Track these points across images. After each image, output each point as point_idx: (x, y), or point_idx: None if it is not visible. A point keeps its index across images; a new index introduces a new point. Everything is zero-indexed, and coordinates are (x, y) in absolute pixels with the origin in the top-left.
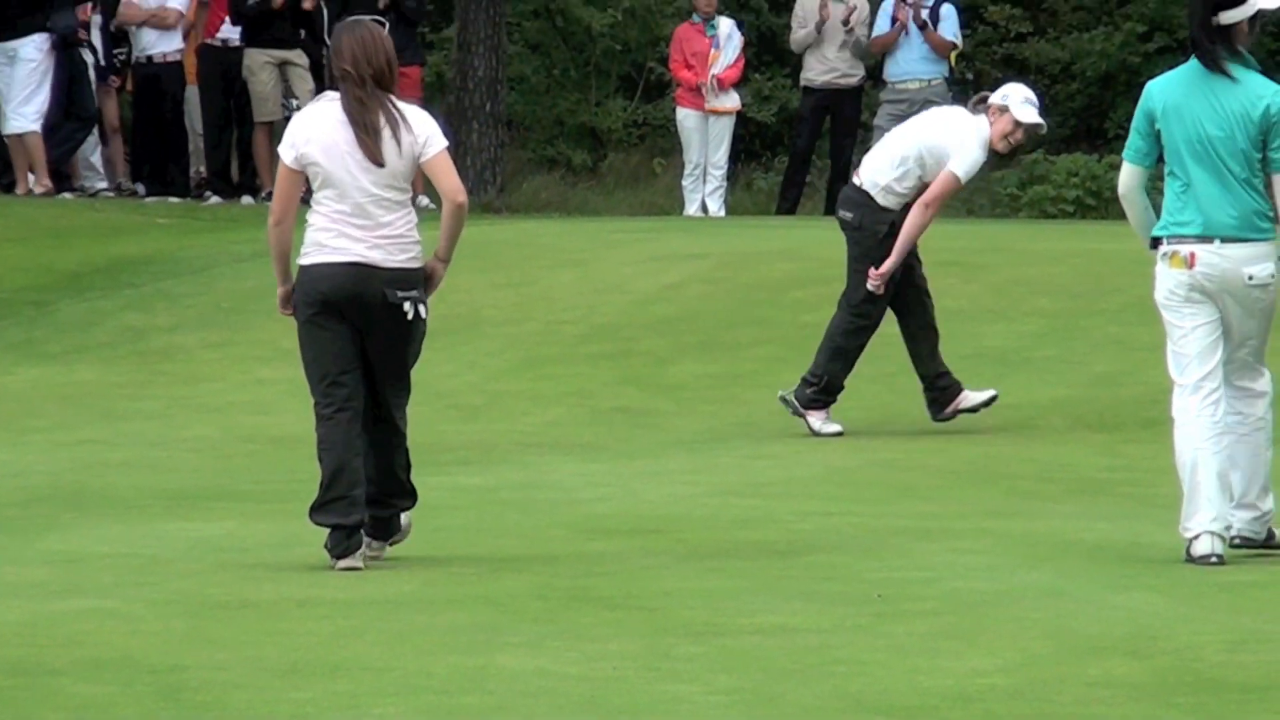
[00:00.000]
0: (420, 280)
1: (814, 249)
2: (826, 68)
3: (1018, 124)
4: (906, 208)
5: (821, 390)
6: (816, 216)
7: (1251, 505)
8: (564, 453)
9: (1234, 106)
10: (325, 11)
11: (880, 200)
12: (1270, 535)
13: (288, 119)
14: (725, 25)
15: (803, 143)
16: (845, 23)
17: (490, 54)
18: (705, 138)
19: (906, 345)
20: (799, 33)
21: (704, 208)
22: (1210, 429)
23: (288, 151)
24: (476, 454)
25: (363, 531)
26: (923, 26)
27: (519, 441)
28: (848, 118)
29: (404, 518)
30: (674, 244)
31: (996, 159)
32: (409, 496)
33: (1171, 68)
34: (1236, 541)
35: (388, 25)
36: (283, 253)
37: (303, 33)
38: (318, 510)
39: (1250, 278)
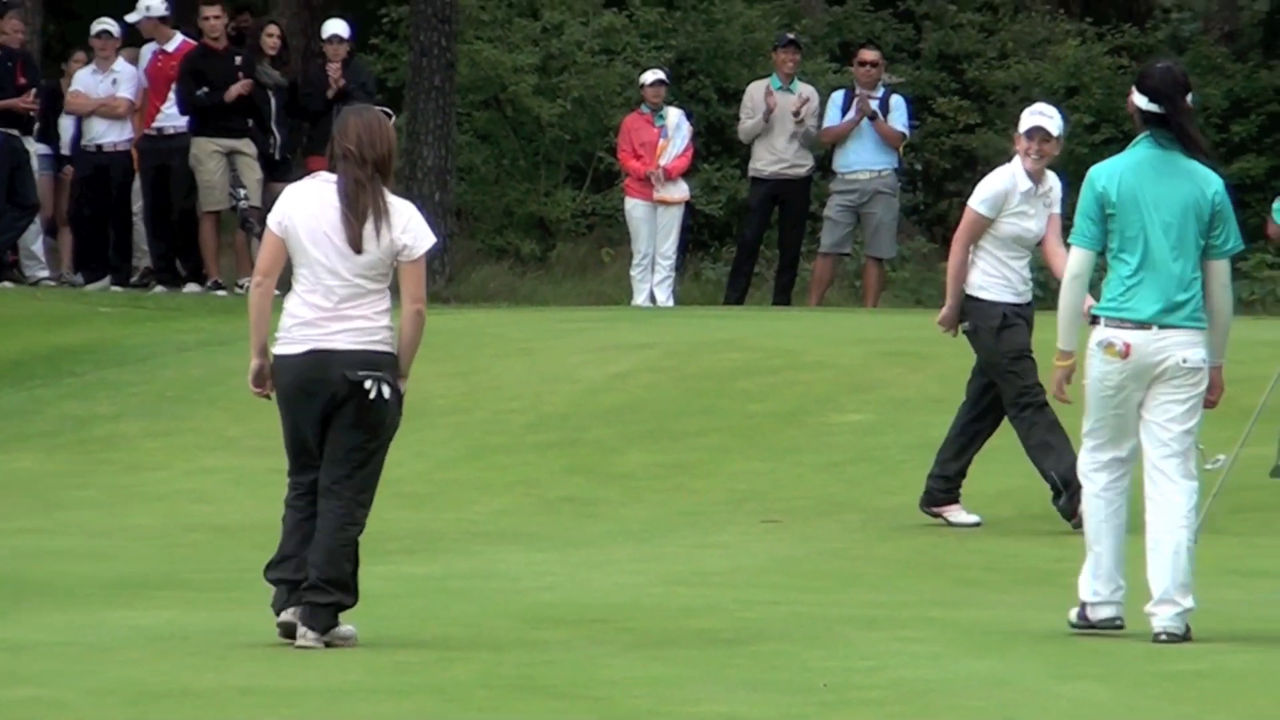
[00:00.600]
0: (386, 364)
1: (762, 339)
2: (775, 158)
3: (1020, 135)
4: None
5: (1064, 489)
6: (765, 307)
7: (1169, 601)
8: (511, 542)
9: (1185, 193)
10: (273, 101)
11: (979, 295)
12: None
13: (234, 208)
14: (674, 115)
15: (751, 233)
16: (795, 114)
17: (439, 144)
18: (654, 228)
19: (955, 432)
20: (747, 123)
21: (652, 298)
22: (1118, 500)
23: (274, 216)
24: (423, 543)
25: (300, 620)
26: (874, 118)
27: (466, 530)
28: (797, 208)
29: (346, 626)
30: (622, 334)
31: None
32: (351, 593)
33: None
34: (1163, 638)
35: (393, 117)
36: (261, 319)
37: (250, 122)
38: (269, 568)
39: (1184, 361)
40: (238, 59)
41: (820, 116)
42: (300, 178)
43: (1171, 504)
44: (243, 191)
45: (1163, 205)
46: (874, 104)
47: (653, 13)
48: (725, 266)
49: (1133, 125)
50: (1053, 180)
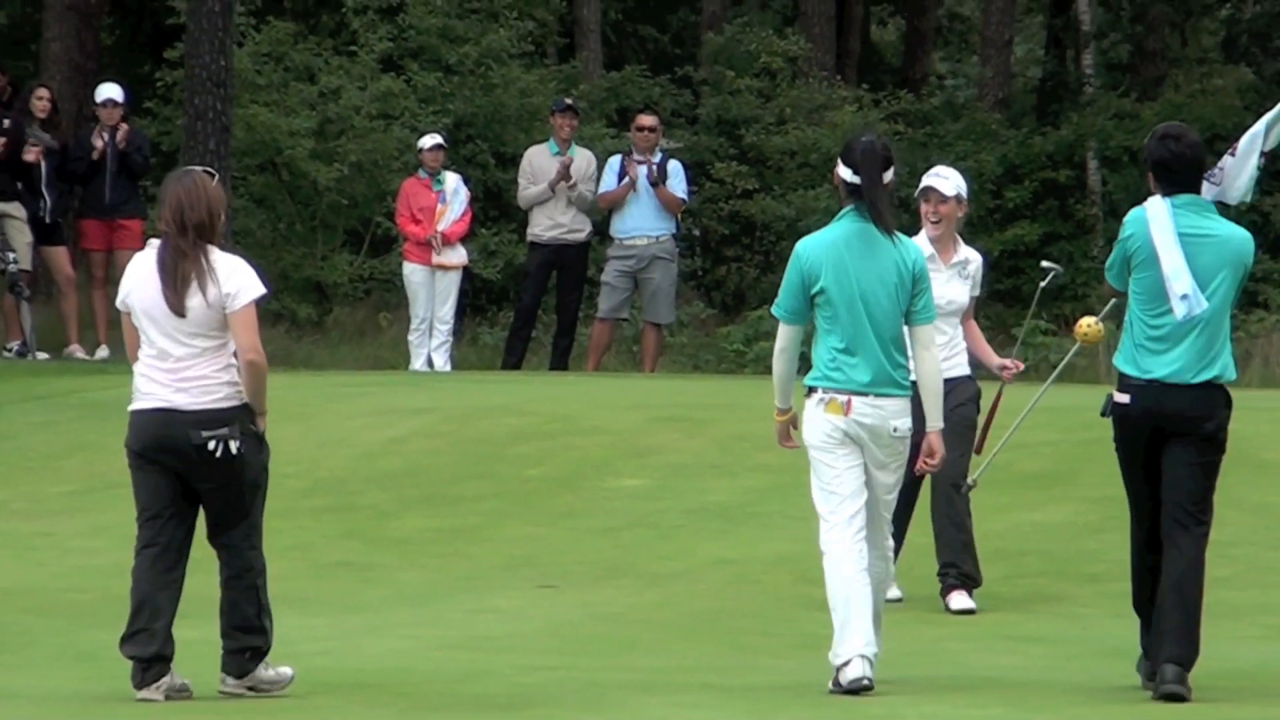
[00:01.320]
0: (233, 419)
1: (539, 404)
2: (553, 223)
3: (919, 200)
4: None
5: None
6: (542, 372)
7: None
8: (285, 606)
9: (888, 266)
10: (43, 165)
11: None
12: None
13: (3, 272)
14: (452, 180)
15: (529, 298)
16: (567, 177)
17: None
18: (432, 292)
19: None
20: (529, 189)
21: (430, 362)
22: (860, 561)
23: (120, 299)
24: (195, 607)
25: (220, 668)
26: (654, 184)
27: None
28: (574, 273)
29: (271, 669)
30: (399, 398)
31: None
32: (256, 634)
33: (899, 225)
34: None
35: (216, 177)
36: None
37: (20, 185)
38: (123, 642)
39: (895, 430)
40: (6, 122)
41: (597, 181)
42: (71, 241)
43: (874, 568)
44: (12, 255)
45: (863, 278)
46: (653, 169)
47: (430, 77)
48: (503, 331)
49: (909, 192)
50: (969, 254)
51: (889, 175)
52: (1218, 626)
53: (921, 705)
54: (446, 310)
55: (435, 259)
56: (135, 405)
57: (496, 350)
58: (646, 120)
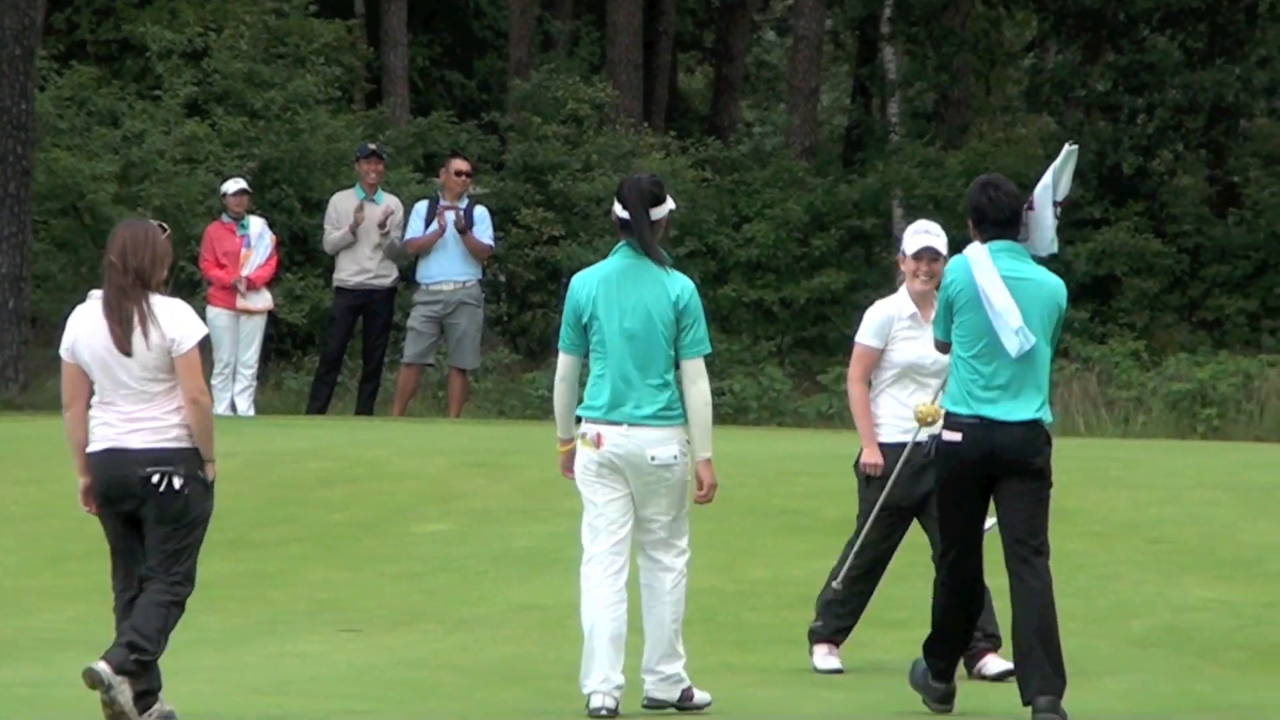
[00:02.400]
0: (183, 459)
1: (344, 449)
2: (359, 268)
3: (907, 257)
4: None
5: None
6: (347, 416)
7: (655, 670)
8: (86, 650)
9: (651, 299)
10: None
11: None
12: (686, 695)
13: None
14: (256, 225)
15: (335, 343)
16: (381, 225)
17: (14, 251)
18: (236, 336)
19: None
20: (334, 235)
21: (233, 406)
22: (611, 597)
23: (63, 348)
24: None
25: (103, 655)
26: (461, 230)
27: (39, 638)
28: (380, 318)
29: (156, 701)
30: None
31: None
32: (151, 641)
33: (705, 270)
34: (646, 703)
35: (167, 232)
36: (77, 446)
37: None
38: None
39: (653, 459)
40: None
41: (404, 227)
42: None
43: (658, 580)
44: None
45: (629, 311)
46: (460, 215)
47: (235, 121)
48: (308, 376)
49: (717, 239)
50: None
51: (660, 210)
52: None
53: None
54: (251, 354)
55: (240, 303)
56: (91, 447)
57: (301, 395)
58: (463, 165)
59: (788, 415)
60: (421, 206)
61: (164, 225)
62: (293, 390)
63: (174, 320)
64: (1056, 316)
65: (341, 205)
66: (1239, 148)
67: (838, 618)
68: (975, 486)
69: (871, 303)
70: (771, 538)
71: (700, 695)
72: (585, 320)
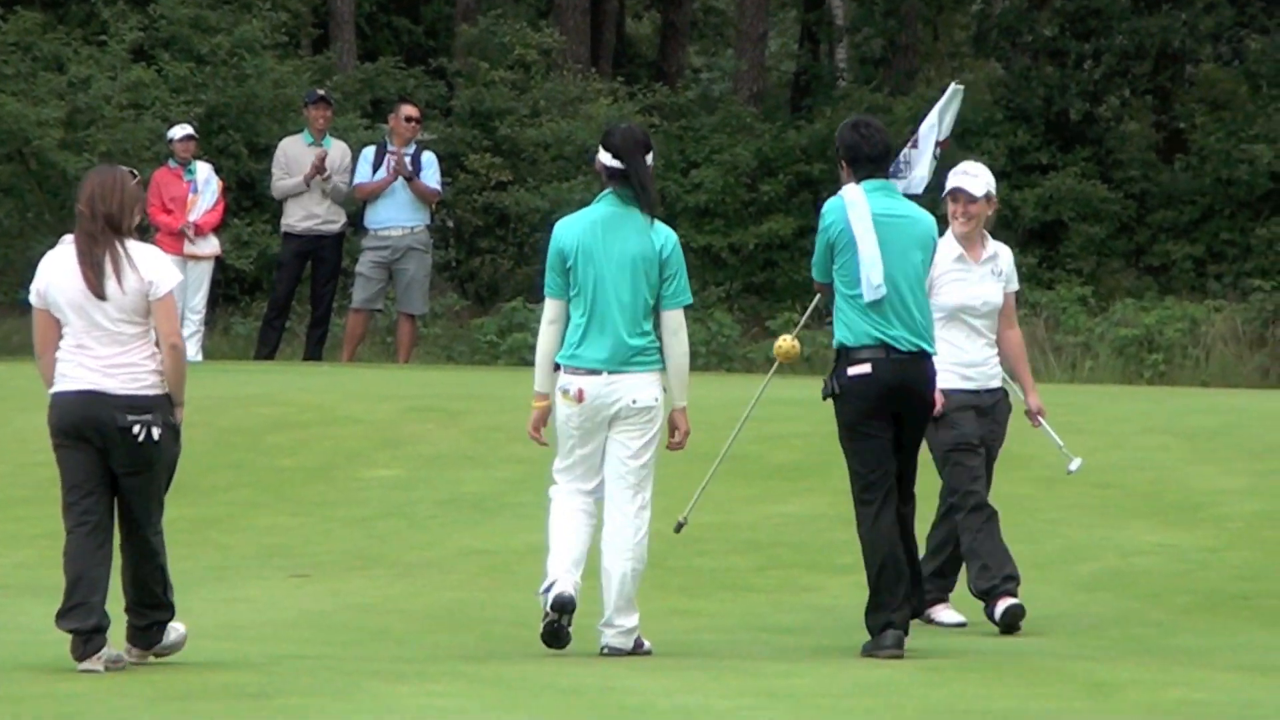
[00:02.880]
0: (157, 406)
1: (292, 394)
2: (307, 214)
3: (945, 199)
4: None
5: (983, 598)
6: (296, 362)
7: (613, 625)
8: (34, 595)
9: (636, 248)
10: None
11: None
12: (638, 644)
13: None
14: (204, 170)
15: (283, 288)
16: (321, 170)
17: None
18: (184, 282)
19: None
20: (283, 181)
21: None
22: (580, 519)
23: (33, 294)
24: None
25: (126, 639)
26: (409, 178)
27: None
28: (329, 264)
29: (173, 632)
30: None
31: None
32: (164, 609)
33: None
34: (605, 651)
35: (137, 177)
36: (50, 384)
37: None
38: (60, 617)
39: (634, 402)
40: None
41: (352, 173)
42: None
43: (622, 534)
44: None
45: (613, 259)
46: (405, 162)
47: (182, 67)
48: (256, 321)
49: (665, 184)
50: (998, 249)
51: (650, 159)
52: (966, 617)
53: (674, 696)
54: (198, 300)
55: (187, 249)
56: (60, 388)
57: (249, 340)
58: (412, 111)
59: (736, 361)
60: (369, 151)
61: (134, 171)
62: (241, 336)
63: (150, 264)
64: (930, 253)
65: (290, 151)
66: (1185, 93)
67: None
68: (888, 418)
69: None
70: (719, 483)
71: (648, 642)
72: (569, 265)
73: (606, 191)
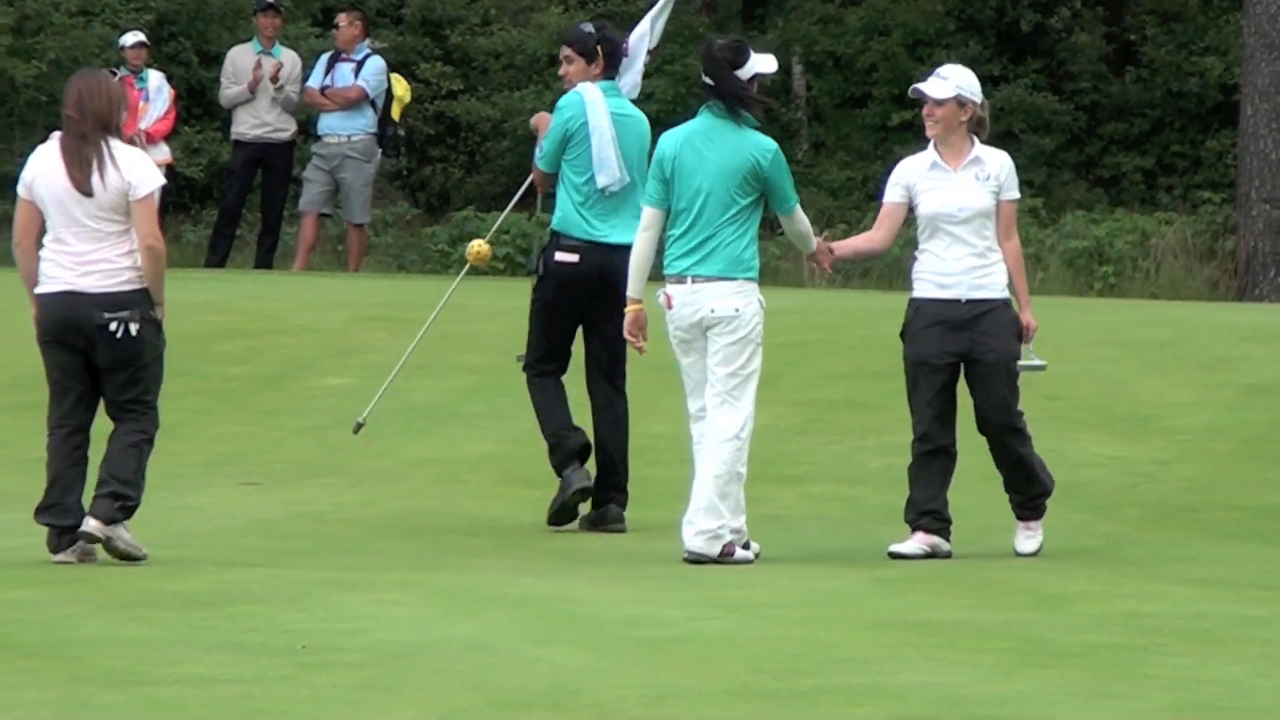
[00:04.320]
0: (136, 302)
1: (243, 302)
2: (257, 121)
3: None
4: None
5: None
6: (246, 270)
7: (693, 522)
8: None
9: (735, 159)
10: None
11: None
12: (726, 550)
13: None
14: (155, 78)
15: (233, 196)
16: (275, 79)
17: None
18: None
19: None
20: (231, 89)
21: None
22: (702, 444)
23: (21, 185)
24: None
25: (89, 510)
26: (260, 83)
27: None
28: (279, 172)
29: (130, 533)
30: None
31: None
32: (131, 487)
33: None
34: (687, 557)
35: (117, 75)
36: (27, 277)
37: None
38: (39, 512)
39: (713, 311)
40: None
41: (303, 80)
42: None
43: (710, 437)
44: None
45: (710, 169)
46: (353, 63)
47: None
48: (206, 229)
49: None
50: (985, 154)
51: (745, 70)
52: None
53: (625, 606)
54: None
55: None
56: (41, 289)
57: (200, 248)
58: (343, 19)
59: None
60: (324, 58)
61: (114, 70)
62: (191, 244)
63: (134, 166)
64: (647, 149)
65: (239, 60)
66: (1136, 5)
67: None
68: (578, 307)
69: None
70: (671, 394)
71: (743, 552)
72: (667, 176)
73: (709, 102)
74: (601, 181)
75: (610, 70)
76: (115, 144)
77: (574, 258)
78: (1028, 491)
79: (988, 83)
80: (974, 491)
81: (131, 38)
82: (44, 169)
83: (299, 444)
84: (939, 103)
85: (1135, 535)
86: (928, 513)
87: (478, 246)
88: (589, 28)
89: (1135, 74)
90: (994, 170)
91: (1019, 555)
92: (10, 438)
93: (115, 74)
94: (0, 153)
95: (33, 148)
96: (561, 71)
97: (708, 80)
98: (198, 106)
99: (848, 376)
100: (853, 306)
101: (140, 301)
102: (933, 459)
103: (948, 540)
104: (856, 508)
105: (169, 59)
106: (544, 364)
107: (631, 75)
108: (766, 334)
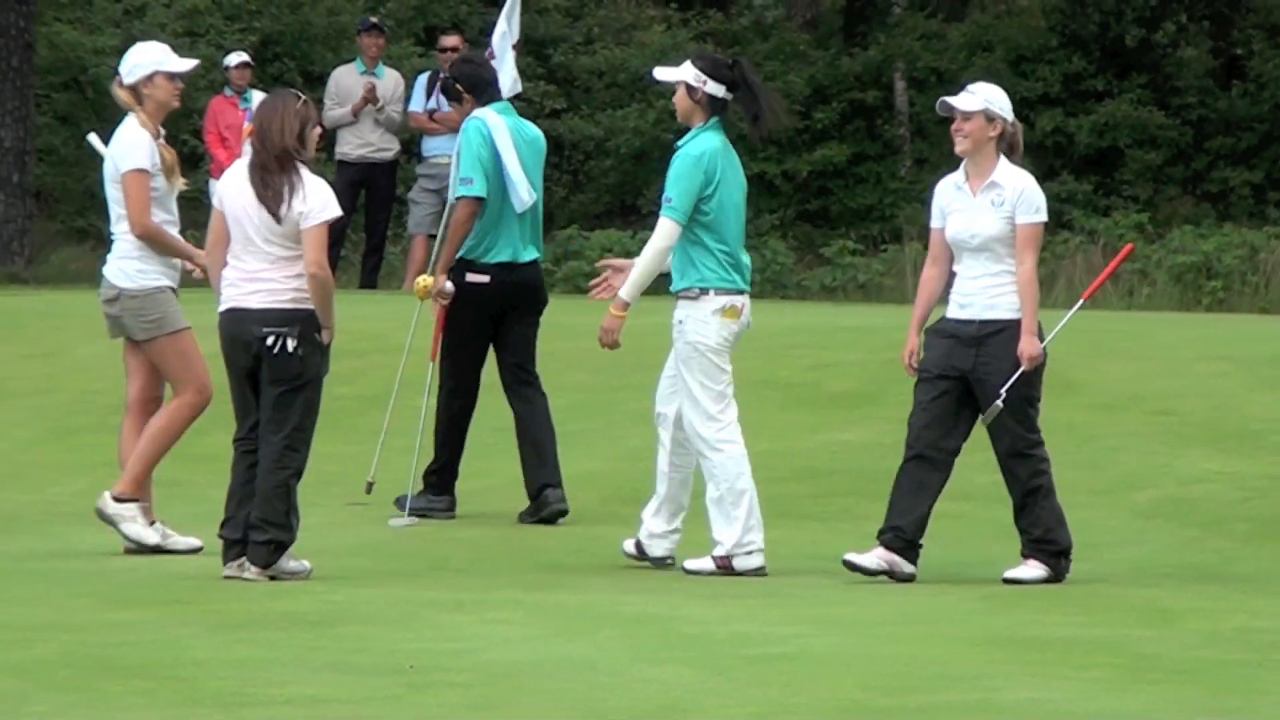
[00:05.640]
0: (297, 320)
1: (348, 322)
2: (361, 141)
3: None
4: None
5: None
6: (351, 290)
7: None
8: (93, 523)
9: (740, 174)
10: None
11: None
12: (661, 560)
13: None
14: (258, 99)
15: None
16: (374, 100)
17: (18, 125)
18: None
19: None
20: (333, 111)
21: None
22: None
23: (214, 196)
24: (1, 523)
25: (247, 556)
26: (371, 101)
27: (47, 511)
28: (383, 192)
29: (292, 560)
30: (206, 316)
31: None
32: (283, 530)
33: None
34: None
35: (302, 99)
36: (216, 286)
37: None
38: (221, 526)
39: (748, 323)
40: None
41: (406, 101)
42: None
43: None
44: None
45: (739, 183)
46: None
47: None
48: None
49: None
50: (1004, 178)
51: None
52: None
53: (732, 624)
54: None
55: None
56: (219, 308)
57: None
58: (450, 41)
59: (790, 289)
60: (422, 79)
61: (299, 93)
62: None
63: (312, 193)
64: (544, 157)
65: (343, 80)
66: (1243, 19)
67: None
68: (492, 325)
69: (873, 176)
70: (775, 411)
71: (683, 562)
72: (709, 193)
73: (713, 120)
74: (517, 207)
75: (496, 91)
76: (301, 171)
77: (485, 278)
78: (1032, 531)
79: (1091, 98)
80: (1085, 507)
81: (236, 58)
82: (232, 187)
83: (404, 464)
84: (966, 116)
85: (1246, 551)
86: (892, 529)
87: (424, 281)
88: (449, 75)
89: (1242, 88)
90: (1009, 194)
91: (1005, 580)
92: (115, 459)
93: (300, 96)
94: None
95: None
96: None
97: (730, 94)
98: None
99: None
100: None
101: (302, 321)
102: (914, 467)
103: (912, 562)
104: (963, 524)
105: (273, 80)
106: (466, 381)
107: (506, 74)
108: (871, 351)
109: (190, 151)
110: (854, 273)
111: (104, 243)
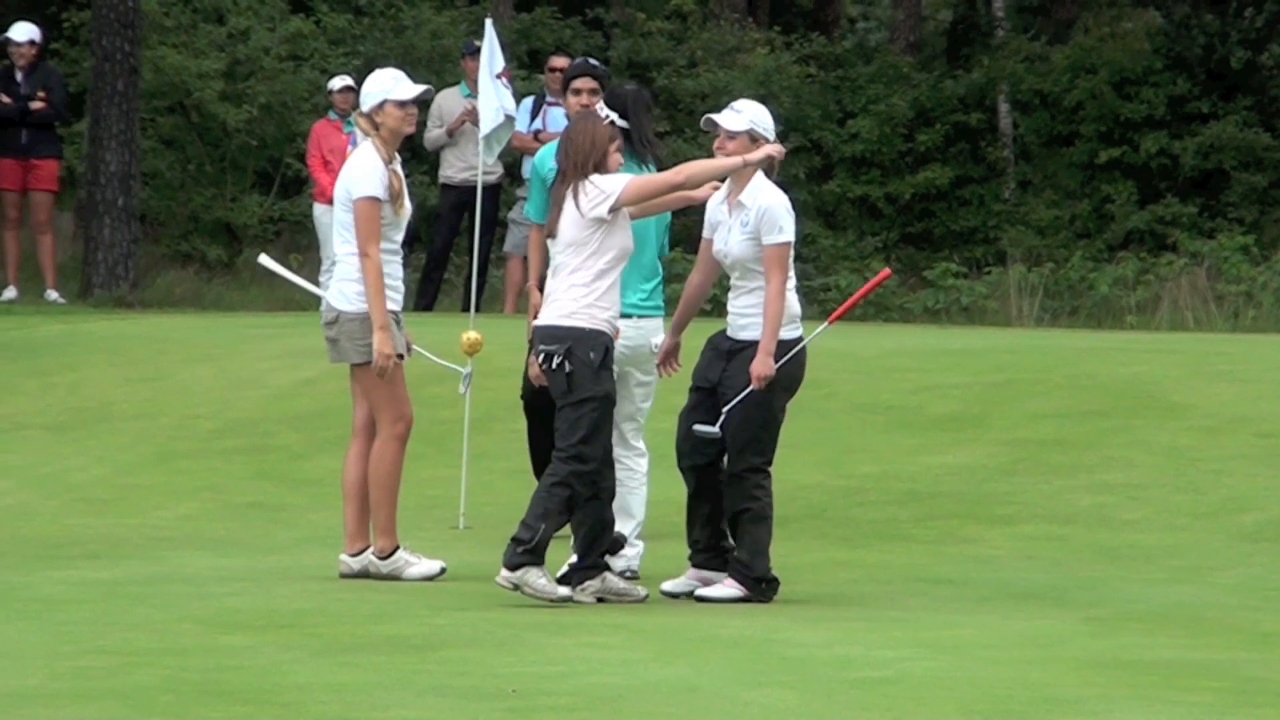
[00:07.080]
0: (570, 338)
1: (452, 346)
2: (465, 164)
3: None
4: None
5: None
6: (454, 313)
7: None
8: (197, 547)
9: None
10: None
11: None
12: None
13: None
14: None
15: (441, 240)
16: (476, 123)
17: (123, 149)
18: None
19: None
20: (432, 131)
21: None
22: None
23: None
24: (105, 548)
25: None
26: (467, 122)
27: (150, 536)
28: (486, 214)
29: (541, 579)
30: (310, 340)
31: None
32: (526, 529)
33: (810, 166)
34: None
35: (607, 118)
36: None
37: None
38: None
39: (653, 346)
40: None
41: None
42: None
43: (634, 468)
44: None
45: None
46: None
47: (340, 19)
48: (414, 273)
49: (821, 135)
50: (750, 198)
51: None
52: (1129, 569)
53: (835, 647)
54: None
55: None
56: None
57: (409, 292)
58: (559, 62)
59: (894, 311)
60: (527, 102)
61: (613, 120)
62: None
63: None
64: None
65: (446, 104)
66: None
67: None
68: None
69: (976, 198)
70: (878, 434)
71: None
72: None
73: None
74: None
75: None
76: (597, 179)
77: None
78: (737, 551)
79: (1196, 120)
80: (1188, 530)
81: (339, 82)
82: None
83: (507, 487)
84: (731, 135)
85: None
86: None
87: (470, 336)
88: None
89: None
90: (753, 215)
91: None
92: (223, 482)
93: (610, 120)
94: (214, 197)
95: (244, 191)
96: (585, 102)
97: (623, 123)
98: (405, 150)
99: (1057, 416)
100: (1061, 345)
101: (576, 338)
102: (690, 479)
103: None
104: (1067, 547)
105: None
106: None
107: (507, 106)
108: (974, 374)
109: (295, 175)
110: (957, 295)
111: (208, 266)
